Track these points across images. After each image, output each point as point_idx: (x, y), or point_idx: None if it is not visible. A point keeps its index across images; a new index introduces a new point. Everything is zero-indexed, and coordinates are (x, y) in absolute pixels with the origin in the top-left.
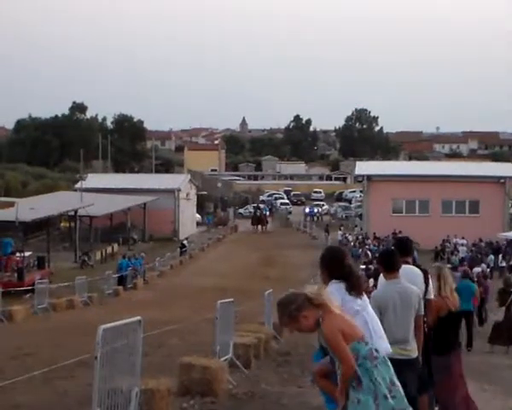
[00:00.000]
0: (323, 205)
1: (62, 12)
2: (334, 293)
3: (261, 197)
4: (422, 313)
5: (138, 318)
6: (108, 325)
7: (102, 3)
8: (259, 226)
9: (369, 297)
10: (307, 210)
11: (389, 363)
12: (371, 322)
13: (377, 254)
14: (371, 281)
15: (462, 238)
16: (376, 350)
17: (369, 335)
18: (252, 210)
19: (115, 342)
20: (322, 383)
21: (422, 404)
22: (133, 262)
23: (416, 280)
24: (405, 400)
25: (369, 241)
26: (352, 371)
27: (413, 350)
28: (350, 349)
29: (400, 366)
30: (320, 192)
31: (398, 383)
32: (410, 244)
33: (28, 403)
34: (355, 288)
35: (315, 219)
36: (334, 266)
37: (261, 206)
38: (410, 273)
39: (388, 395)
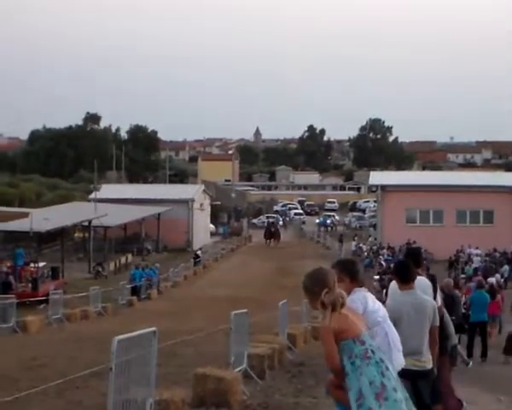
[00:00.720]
0: (334, 216)
1: (74, 24)
2: (357, 302)
3: (275, 207)
4: (437, 324)
5: (153, 328)
6: (123, 335)
7: (115, 14)
8: (272, 241)
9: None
10: (317, 221)
11: (386, 367)
12: (391, 334)
13: (391, 265)
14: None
15: (477, 248)
16: (373, 352)
17: (388, 347)
18: (265, 220)
19: (130, 352)
20: (336, 393)
21: None
22: (147, 272)
23: (426, 291)
24: (401, 405)
25: (384, 251)
26: (334, 369)
27: (427, 361)
28: (344, 346)
29: (414, 376)
30: (334, 202)
31: (394, 385)
32: (421, 256)
33: None
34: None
35: (328, 229)
36: (356, 272)
37: (274, 218)
38: (421, 284)
39: (369, 395)
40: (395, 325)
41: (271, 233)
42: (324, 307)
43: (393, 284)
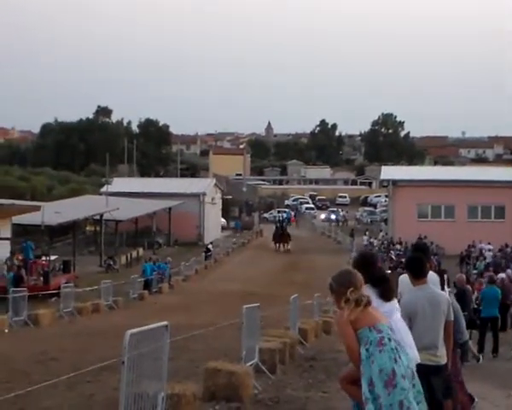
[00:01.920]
0: (340, 210)
1: (89, 17)
2: None
3: (286, 202)
4: (452, 318)
5: (165, 323)
6: (135, 329)
7: (121, 9)
8: (282, 245)
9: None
10: (323, 216)
11: (400, 356)
12: (398, 330)
13: (403, 260)
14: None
15: (489, 243)
16: (389, 339)
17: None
18: (276, 215)
19: (142, 346)
20: (350, 389)
21: (447, 409)
22: (161, 266)
23: (435, 285)
24: (407, 394)
25: (398, 246)
26: (354, 358)
27: (442, 357)
28: (360, 334)
29: (429, 371)
30: (345, 197)
31: (404, 373)
32: (428, 251)
33: (55, 407)
34: (386, 293)
35: (340, 223)
36: (367, 270)
37: (284, 218)
38: (431, 279)
39: (378, 383)
40: (411, 320)
41: (281, 236)
42: (348, 302)
43: (404, 279)
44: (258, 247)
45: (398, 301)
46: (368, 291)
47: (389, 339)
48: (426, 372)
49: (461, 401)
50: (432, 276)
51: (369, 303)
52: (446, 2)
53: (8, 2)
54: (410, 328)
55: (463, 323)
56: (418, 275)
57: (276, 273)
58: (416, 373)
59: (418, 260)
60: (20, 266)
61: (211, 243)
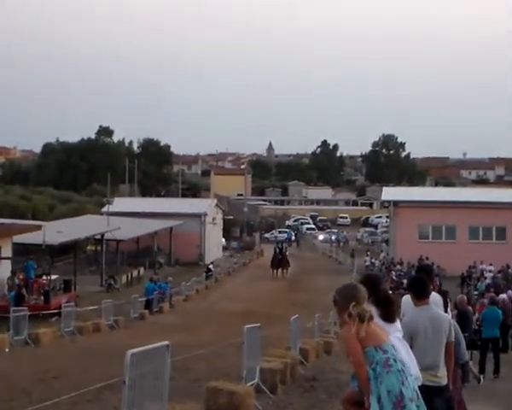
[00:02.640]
0: (342, 232)
1: (91, 38)
2: None
3: (287, 222)
4: (453, 339)
5: (166, 342)
6: (136, 349)
7: (122, 29)
8: (280, 271)
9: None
10: (321, 237)
11: (406, 377)
12: (399, 350)
13: (403, 281)
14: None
15: (490, 265)
16: (395, 360)
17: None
18: (277, 235)
19: (143, 366)
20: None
21: None
22: (161, 286)
23: (438, 306)
24: None
25: (399, 266)
26: (363, 375)
27: (443, 377)
28: (366, 353)
29: (430, 392)
30: (346, 217)
31: (411, 396)
32: (432, 272)
33: None
34: (389, 315)
35: (340, 244)
36: (372, 290)
37: (285, 235)
38: (433, 300)
39: (387, 404)
40: (412, 340)
41: (279, 261)
42: (351, 317)
43: (407, 300)
44: (259, 267)
45: (400, 321)
46: (370, 307)
47: (394, 360)
48: (427, 393)
49: None
50: (435, 297)
51: (371, 318)
52: (447, 24)
53: (8, 18)
54: (411, 348)
55: (464, 344)
56: (420, 296)
57: (276, 293)
58: (419, 394)
59: (421, 281)
60: (21, 285)
61: (211, 262)
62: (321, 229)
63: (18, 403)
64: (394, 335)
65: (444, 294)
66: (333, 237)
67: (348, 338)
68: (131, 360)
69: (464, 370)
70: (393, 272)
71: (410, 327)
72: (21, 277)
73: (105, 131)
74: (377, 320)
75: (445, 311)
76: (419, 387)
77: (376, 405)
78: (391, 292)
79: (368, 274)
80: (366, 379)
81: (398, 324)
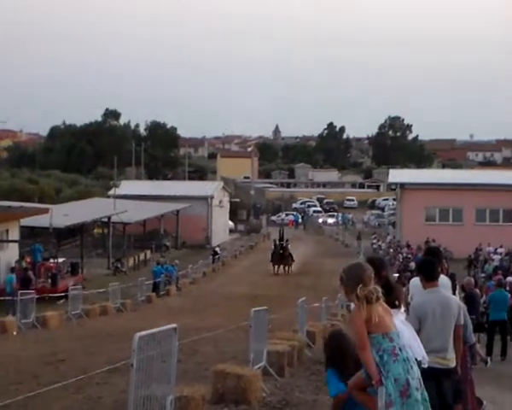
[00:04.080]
0: (336, 213)
1: (99, 20)
2: None
3: (294, 205)
4: (462, 322)
5: (174, 325)
6: (144, 332)
7: (129, 12)
8: (281, 267)
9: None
10: (320, 220)
11: (411, 365)
12: (402, 333)
13: (410, 263)
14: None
15: (501, 247)
16: (400, 349)
17: None
18: (284, 217)
19: (151, 349)
20: (361, 396)
21: None
22: (169, 269)
23: (447, 289)
24: (420, 406)
25: (405, 249)
26: (367, 357)
27: (452, 360)
28: (373, 339)
29: (438, 375)
30: (353, 200)
31: (416, 385)
32: (440, 254)
33: (63, 409)
34: (390, 302)
35: (346, 226)
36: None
37: (286, 240)
38: (442, 282)
39: (394, 392)
40: (420, 323)
41: (281, 257)
42: (359, 299)
43: (415, 282)
44: (265, 250)
45: (409, 305)
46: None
47: (400, 349)
48: (435, 375)
49: (470, 401)
50: (443, 280)
51: (378, 299)
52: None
53: (17, 4)
54: (420, 330)
55: (471, 326)
56: (429, 278)
57: (283, 276)
58: (422, 382)
59: (430, 264)
60: (28, 268)
61: (218, 245)
62: (327, 211)
63: (26, 386)
64: (397, 317)
65: (452, 277)
66: (330, 221)
67: (354, 322)
68: (139, 342)
69: (471, 352)
70: (400, 255)
71: (418, 310)
72: (28, 260)
73: (112, 114)
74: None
75: (453, 293)
76: (427, 369)
77: (390, 386)
78: (398, 275)
79: (371, 257)
80: (371, 363)
81: (401, 310)
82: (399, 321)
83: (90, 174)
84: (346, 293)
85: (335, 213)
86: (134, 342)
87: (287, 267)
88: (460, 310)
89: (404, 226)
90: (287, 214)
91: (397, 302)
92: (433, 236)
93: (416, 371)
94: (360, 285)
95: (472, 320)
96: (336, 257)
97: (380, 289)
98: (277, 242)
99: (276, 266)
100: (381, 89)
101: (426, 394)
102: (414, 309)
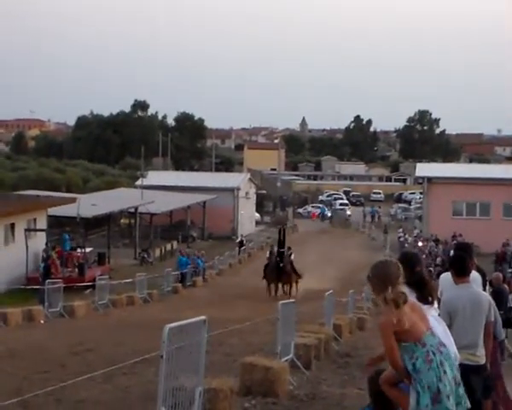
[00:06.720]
0: (346, 207)
1: (124, 12)
2: None
3: (320, 197)
4: (493, 319)
5: (203, 317)
6: (174, 324)
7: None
8: (279, 286)
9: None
10: (348, 213)
11: (444, 371)
12: (435, 330)
13: (438, 258)
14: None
15: None
16: (434, 353)
17: None
18: (310, 209)
19: (180, 341)
20: (392, 392)
21: (487, 408)
22: (196, 260)
23: (478, 285)
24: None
25: (433, 243)
26: (396, 366)
27: (481, 357)
28: (405, 348)
29: (468, 371)
30: (379, 193)
31: (447, 393)
32: (472, 250)
33: (91, 399)
34: (424, 297)
35: (375, 219)
36: (404, 271)
37: (288, 249)
38: (473, 278)
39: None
40: (451, 318)
41: (279, 273)
42: (387, 303)
43: (446, 277)
44: (291, 242)
45: (439, 300)
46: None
47: (433, 352)
48: (465, 372)
49: (502, 397)
50: (475, 275)
51: (405, 301)
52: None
53: None
54: (450, 326)
55: (500, 322)
56: (461, 274)
57: (309, 269)
58: (459, 379)
59: (462, 259)
60: (49, 257)
61: (241, 235)
62: (354, 204)
63: (53, 375)
64: (430, 313)
65: (482, 273)
66: (348, 213)
67: (383, 324)
68: (169, 334)
69: (500, 348)
70: (427, 249)
71: (449, 305)
72: (56, 249)
73: (140, 105)
74: (414, 300)
75: (484, 289)
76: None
77: (423, 391)
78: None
79: (405, 252)
80: (400, 368)
81: (434, 305)
82: (432, 318)
83: (117, 164)
84: (374, 292)
85: (344, 207)
86: (164, 334)
87: (286, 286)
88: (491, 306)
89: (431, 220)
90: (313, 206)
91: (430, 298)
92: (459, 230)
93: (452, 374)
94: (388, 289)
95: (500, 316)
96: (363, 250)
97: (406, 291)
98: (274, 249)
99: (273, 285)
100: (409, 83)
101: (463, 391)
102: (444, 304)
